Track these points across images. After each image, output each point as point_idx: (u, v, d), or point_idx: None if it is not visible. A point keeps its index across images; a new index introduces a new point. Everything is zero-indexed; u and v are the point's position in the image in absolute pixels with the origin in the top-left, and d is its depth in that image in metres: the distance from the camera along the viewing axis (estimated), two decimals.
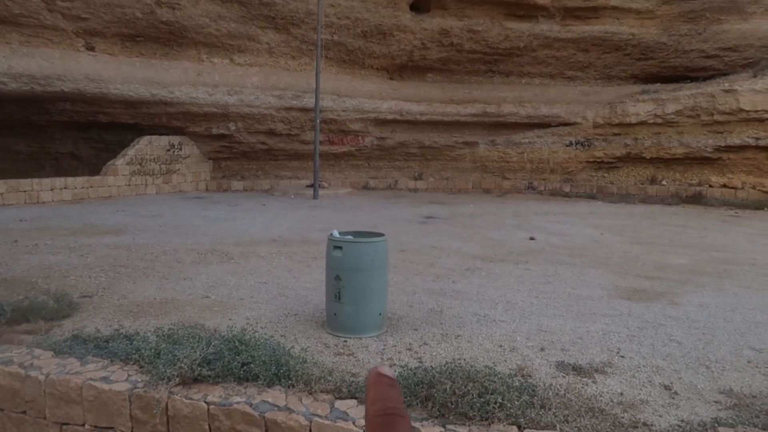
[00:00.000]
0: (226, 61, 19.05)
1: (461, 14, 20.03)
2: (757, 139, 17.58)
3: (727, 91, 18.12)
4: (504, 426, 3.10)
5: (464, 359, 4.05)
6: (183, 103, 17.83)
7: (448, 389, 3.25)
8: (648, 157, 19.65)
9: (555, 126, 20.95)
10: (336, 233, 4.92)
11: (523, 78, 22.08)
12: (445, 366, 3.57)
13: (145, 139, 17.85)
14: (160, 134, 18.40)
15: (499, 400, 3.18)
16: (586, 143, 20.64)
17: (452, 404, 3.19)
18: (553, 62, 21.44)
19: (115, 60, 17.01)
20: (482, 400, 3.19)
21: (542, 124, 21.09)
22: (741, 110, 17.71)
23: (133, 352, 3.87)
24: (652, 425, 3.28)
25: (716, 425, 3.22)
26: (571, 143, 20.81)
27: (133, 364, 3.81)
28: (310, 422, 3.10)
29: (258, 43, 19.07)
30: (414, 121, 20.98)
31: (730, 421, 3.29)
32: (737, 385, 3.88)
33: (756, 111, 17.50)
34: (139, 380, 3.60)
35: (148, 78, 17.22)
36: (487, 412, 3.14)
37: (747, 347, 4.65)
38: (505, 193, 20.18)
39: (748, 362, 4.32)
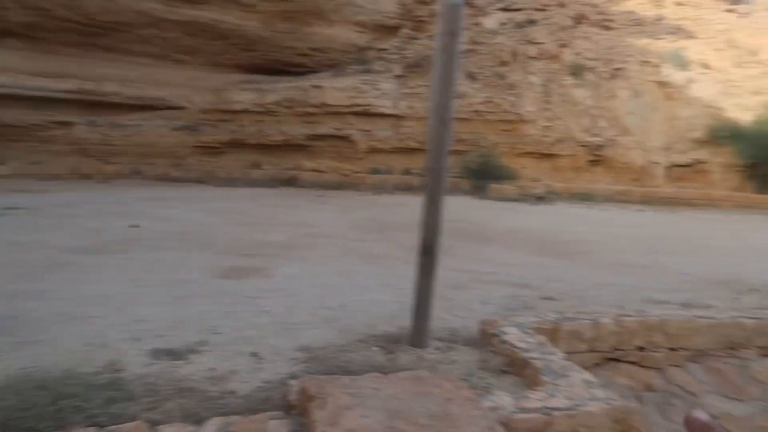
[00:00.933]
0: None
1: None
2: (338, 129, 20.78)
3: (315, 87, 20.81)
4: (83, 429, 2.87)
5: (39, 367, 3.58)
6: None
7: (10, 405, 2.82)
8: (252, 143, 21.05)
9: (162, 109, 20.40)
10: None
11: (128, 56, 20.65)
12: (9, 379, 3.08)
13: None
14: None
15: (76, 403, 2.93)
16: (194, 128, 20.77)
17: (16, 421, 2.79)
18: (160, 43, 20.70)
19: None
20: (55, 407, 2.88)
21: (149, 107, 20.28)
22: (326, 104, 20.63)
23: None
24: (237, 392, 3.51)
25: (289, 379, 3.67)
26: (179, 128, 20.62)
27: None
28: None
29: None
30: None
31: (302, 373, 3.78)
32: (312, 340, 4.46)
33: (337, 105, 20.65)
34: None
35: None
36: (62, 419, 2.86)
37: (322, 307, 5.44)
38: (108, 179, 18.69)
39: (322, 320, 5.06)
